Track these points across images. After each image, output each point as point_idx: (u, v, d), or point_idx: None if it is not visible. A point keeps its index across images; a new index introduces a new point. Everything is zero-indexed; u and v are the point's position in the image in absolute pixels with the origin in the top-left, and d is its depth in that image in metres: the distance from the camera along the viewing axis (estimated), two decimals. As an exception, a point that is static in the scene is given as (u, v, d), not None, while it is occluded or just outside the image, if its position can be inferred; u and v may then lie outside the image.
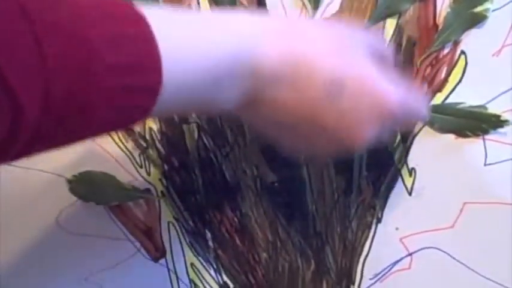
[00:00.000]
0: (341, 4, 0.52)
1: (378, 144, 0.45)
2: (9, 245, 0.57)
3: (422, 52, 0.52)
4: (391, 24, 0.52)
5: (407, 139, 0.54)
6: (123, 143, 0.56)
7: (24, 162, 0.54)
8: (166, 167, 0.56)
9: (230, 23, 0.39)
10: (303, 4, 0.52)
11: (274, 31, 0.39)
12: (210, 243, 0.57)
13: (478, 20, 0.51)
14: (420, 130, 0.54)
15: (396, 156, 0.54)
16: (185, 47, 0.36)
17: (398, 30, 0.52)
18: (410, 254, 0.56)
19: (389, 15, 0.52)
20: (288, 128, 0.41)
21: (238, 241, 0.57)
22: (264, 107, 0.40)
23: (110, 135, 0.56)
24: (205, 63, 0.37)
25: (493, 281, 0.55)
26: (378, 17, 0.52)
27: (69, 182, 0.56)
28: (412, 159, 0.54)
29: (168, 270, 0.58)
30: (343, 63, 0.40)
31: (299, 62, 0.39)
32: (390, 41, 0.52)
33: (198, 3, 0.52)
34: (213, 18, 0.39)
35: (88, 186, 0.56)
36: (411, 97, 0.45)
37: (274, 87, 0.39)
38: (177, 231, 0.57)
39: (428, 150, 0.54)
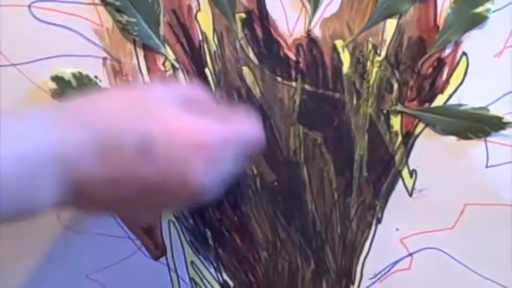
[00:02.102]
0: (341, 4, 0.51)
1: (232, 177, 0.46)
2: (9, 242, 0.57)
3: (423, 53, 0.52)
4: (391, 24, 0.52)
5: (408, 141, 0.54)
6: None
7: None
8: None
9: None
10: (303, 4, 0.52)
11: (66, 117, 0.40)
12: (210, 242, 0.58)
13: (479, 20, 0.51)
14: (422, 132, 0.53)
15: (397, 158, 0.54)
16: None
17: (399, 30, 0.52)
18: (410, 255, 0.56)
19: (390, 16, 0.51)
20: (120, 200, 0.41)
21: (238, 240, 0.57)
22: (85, 189, 0.39)
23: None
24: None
25: (493, 281, 0.56)
26: (377, 18, 0.51)
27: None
28: (414, 161, 0.54)
29: (169, 268, 0.58)
30: (148, 120, 0.41)
31: (102, 136, 0.39)
32: (391, 42, 0.52)
33: (198, 3, 0.52)
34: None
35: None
36: (238, 127, 0.45)
37: (86, 167, 0.39)
38: (177, 229, 0.57)
39: (430, 152, 0.54)
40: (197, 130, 0.42)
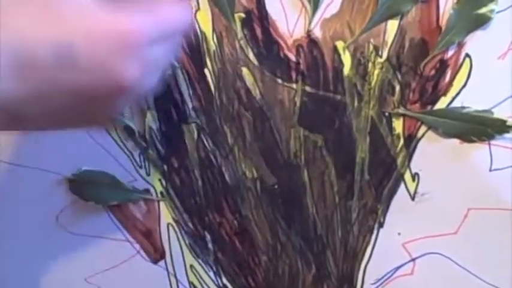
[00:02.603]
0: (341, 5, 0.51)
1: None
2: (8, 244, 0.57)
3: (426, 54, 0.51)
4: (392, 25, 0.51)
5: (410, 144, 0.53)
6: (123, 143, 0.56)
7: (24, 161, 0.56)
8: (165, 167, 0.56)
9: None
10: (303, 4, 0.51)
11: None
12: (210, 245, 0.57)
13: (482, 21, 0.50)
14: (424, 135, 0.53)
15: (399, 161, 0.53)
16: None
17: (401, 32, 0.51)
18: (413, 260, 0.55)
19: (391, 17, 0.51)
20: (55, 113, 0.40)
21: (238, 244, 0.57)
22: (11, 109, 0.38)
23: (110, 134, 0.55)
24: None
25: (496, 287, 0.55)
26: (378, 19, 0.51)
27: (69, 181, 0.56)
28: (416, 164, 0.53)
29: (168, 272, 0.58)
30: (62, 23, 0.38)
31: (14, 51, 0.37)
32: (392, 43, 0.51)
33: (197, 2, 0.52)
34: None
35: (88, 186, 0.56)
36: (163, 14, 0.42)
37: (4, 87, 0.37)
38: (176, 233, 0.57)
39: (433, 155, 0.53)
40: (119, 27, 0.39)
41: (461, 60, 0.51)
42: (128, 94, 0.40)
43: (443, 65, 0.52)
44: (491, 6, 0.49)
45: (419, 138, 0.53)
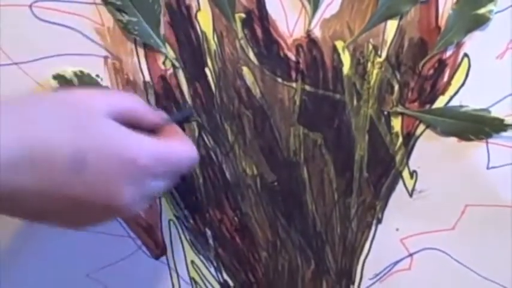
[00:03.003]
0: (341, 5, 0.51)
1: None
2: (9, 241, 0.58)
3: (425, 54, 0.52)
4: (392, 25, 0.51)
5: (409, 142, 0.54)
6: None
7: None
8: (167, 165, 0.56)
9: None
10: (302, 5, 0.51)
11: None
12: (211, 241, 0.58)
13: (481, 21, 0.50)
14: (422, 133, 0.53)
15: (397, 159, 0.54)
16: None
17: (400, 31, 0.51)
18: (410, 255, 0.56)
19: (390, 17, 0.51)
20: (49, 212, 0.42)
21: (238, 240, 0.57)
22: (12, 197, 0.40)
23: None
24: None
25: (493, 282, 0.55)
26: (378, 19, 0.51)
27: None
28: (414, 162, 0.54)
29: (169, 267, 0.58)
30: (81, 135, 0.41)
31: (34, 146, 0.39)
32: (391, 43, 0.52)
33: (198, 3, 0.52)
34: None
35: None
36: (170, 144, 0.46)
37: (14, 175, 0.39)
38: (177, 229, 0.57)
39: (431, 153, 0.54)
40: (129, 147, 0.42)
41: (459, 59, 0.52)
42: (119, 212, 0.44)
43: (441, 64, 0.52)
44: (490, 6, 0.50)
45: (418, 137, 0.54)
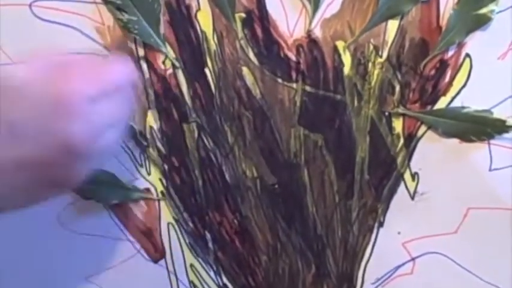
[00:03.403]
0: (342, 5, 0.51)
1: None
2: (9, 242, 0.57)
3: (426, 54, 0.51)
4: (393, 25, 0.51)
5: (410, 143, 0.53)
6: (124, 142, 0.56)
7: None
8: (166, 166, 0.56)
9: None
10: (303, 4, 0.51)
11: None
12: (210, 244, 0.57)
13: (482, 21, 0.50)
14: (424, 134, 0.53)
15: (399, 160, 0.54)
16: None
17: (401, 32, 0.51)
18: (413, 259, 0.56)
19: (391, 17, 0.51)
20: (8, 186, 0.40)
21: (238, 243, 0.57)
22: None
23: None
24: None
25: (496, 286, 0.55)
26: (379, 18, 0.51)
27: (70, 180, 0.56)
28: (416, 164, 0.54)
29: (168, 271, 0.58)
30: (8, 103, 0.39)
31: None
32: (392, 43, 0.52)
33: (198, 2, 0.52)
34: None
35: (88, 184, 0.56)
36: (105, 74, 0.43)
37: None
38: (176, 232, 0.57)
39: (432, 155, 0.53)
40: (53, 90, 0.40)
41: (461, 60, 0.52)
42: (81, 155, 0.41)
43: (443, 65, 0.52)
44: (491, 6, 0.50)
45: (419, 138, 0.53)
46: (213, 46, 0.53)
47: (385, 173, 0.54)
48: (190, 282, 0.58)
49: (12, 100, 0.39)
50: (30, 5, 0.52)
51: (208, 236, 0.57)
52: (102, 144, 0.42)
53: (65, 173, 0.42)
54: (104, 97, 0.42)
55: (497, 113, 0.52)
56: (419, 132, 0.53)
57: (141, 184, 0.56)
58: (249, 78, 0.53)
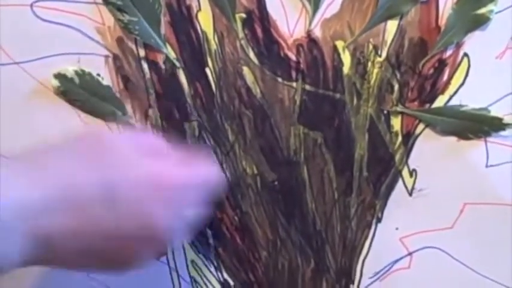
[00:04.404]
0: (341, 5, 0.51)
1: (200, 219, 0.47)
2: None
3: (425, 54, 0.52)
4: (392, 25, 0.52)
5: (408, 141, 0.54)
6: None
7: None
8: (167, 164, 0.56)
9: None
10: (303, 5, 0.51)
11: (23, 168, 0.40)
12: (211, 241, 0.58)
13: (481, 21, 0.50)
14: (422, 132, 0.54)
15: (397, 158, 0.54)
16: None
17: (400, 31, 0.52)
18: (410, 254, 0.56)
19: (391, 17, 0.51)
20: (88, 253, 0.41)
21: (238, 239, 0.58)
22: (48, 243, 0.39)
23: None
24: None
25: (493, 280, 0.56)
26: (378, 19, 0.51)
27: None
28: (414, 161, 0.54)
29: (169, 267, 0.58)
30: (107, 169, 0.41)
31: (61, 187, 0.39)
32: (392, 42, 0.52)
33: (199, 3, 0.52)
34: None
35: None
36: (195, 169, 0.46)
37: (53, 223, 0.39)
38: (177, 228, 0.58)
39: (430, 152, 0.54)
40: (156, 173, 0.42)
41: (459, 59, 0.52)
42: (159, 239, 0.43)
43: (441, 64, 0.52)
44: (490, 6, 0.50)
45: (417, 136, 0.54)
46: (214, 46, 0.53)
47: (384, 170, 0.55)
48: (192, 278, 0.59)
49: (118, 170, 0.41)
50: (31, 5, 0.52)
51: (208, 232, 0.58)
52: (177, 235, 0.45)
53: (138, 252, 0.44)
54: (191, 190, 0.45)
55: (495, 111, 0.52)
56: (418, 130, 0.54)
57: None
58: (249, 78, 0.53)
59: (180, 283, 0.58)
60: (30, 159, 0.41)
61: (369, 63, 0.52)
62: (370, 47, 0.52)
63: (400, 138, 0.54)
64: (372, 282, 0.57)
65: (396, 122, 0.54)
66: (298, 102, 0.54)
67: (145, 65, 0.54)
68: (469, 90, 0.52)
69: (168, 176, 0.43)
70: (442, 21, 0.51)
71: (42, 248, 0.39)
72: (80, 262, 0.43)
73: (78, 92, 0.54)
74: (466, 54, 0.52)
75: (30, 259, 0.39)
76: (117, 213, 0.40)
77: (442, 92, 0.53)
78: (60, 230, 0.39)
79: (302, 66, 0.53)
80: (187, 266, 0.58)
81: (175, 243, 0.45)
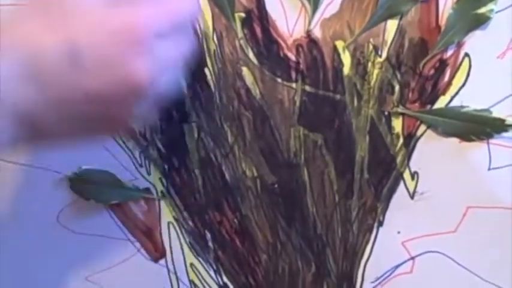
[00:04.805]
0: (341, 4, 0.51)
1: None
2: (9, 242, 0.57)
3: (425, 54, 0.52)
4: (392, 25, 0.51)
5: (409, 142, 0.53)
6: (123, 142, 0.56)
7: (24, 159, 0.56)
8: (166, 166, 0.56)
9: None
10: (302, 4, 0.51)
11: None
12: (210, 244, 0.57)
13: (481, 21, 0.50)
14: (423, 134, 0.53)
15: (398, 160, 0.54)
16: None
17: (400, 31, 0.51)
18: (412, 258, 0.56)
19: (391, 16, 0.51)
20: (71, 120, 0.39)
21: (238, 242, 0.57)
22: (33, 118, 0.38)
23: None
24: None
25: (496, 285, 0.55)
26: (378, 18, 0.51)
27: (70, 179, 0.56)
28: (415, 163, 0.54)
29: (168, 270, 0.58)
30: (68, 24, 0.37)
31: (26, 56, 0.37)
32: (392, 42, 0.52)
33: (198, 2, 0.52)
34: None
35: (88, 184, 0.56)
36: (168, 5, 0.41)
37: (23, 95, 0.37)
38: (177, 231, 0.57)
39: (432, 154, 0.53)
40: (124, 20, 0.38)
41: (460, 59, 0.52)
42: (143, 93, 0.39)
43: (442, 64, 0.52)
44: (490, 6, 0.50)
45: (419, 137, 0.53)
46: (213, 46, 0.53)
47: (385, 173, 0.54)
48: (191, 281, 0.58)
49: (80, 22, 0.38)
50: (29, 6, 0.52)
51: (208, 235, 0.57)
52: (162, 84, 0.41)
53: (123, 110, 0.40)
54: (170, 33, 0.40)
55: (497, 112, 0.52)
56: (419, 132, 0.53)
57: (141, 184, 0.57)
58: (248, 78, 0.53)
59: (179, 286, 0.58)
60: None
61: (369, 64, 0.52)
62: (370, 47, 0.52)
63: (401, 140, 0.53)
64: (373, 287, 0.57)
65: (397, 124, 0.53)
66: (298, 103, 0.53)
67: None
68: (471, 91, 0.52)
69: (139, 22, 0.38)
70: (442, 21, 0.51)
71: (24, 124, 0.38)
72: (64, 131, 0.40)
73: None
74: (467, 55, 0.51)
75: (17, 138, 0.38)
76: (87, 72, 0.37)
77: (443, 93, 0.52)
78: (35, 105, 0.37)
79: (302, 66, 0.53)
80: (186, 269, 0.58)
81: (160, 92, 0.40)
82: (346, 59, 0.52)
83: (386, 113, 0.53)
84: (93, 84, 0.38)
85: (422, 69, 0.52)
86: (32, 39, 0.37)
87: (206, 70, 0.53)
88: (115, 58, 0.37)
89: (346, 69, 0.52)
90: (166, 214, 0.57)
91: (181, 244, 0.57)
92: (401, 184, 0.54)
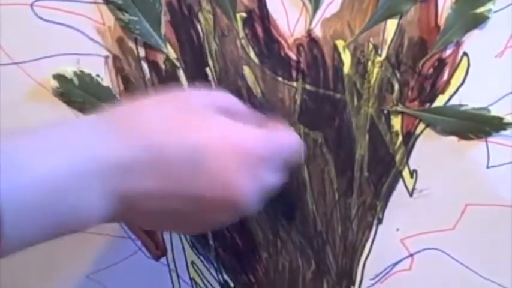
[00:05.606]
0: (341, 4, 0.52)
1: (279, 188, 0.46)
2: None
3: (425, 53, 0.52)
4: (392, 25, 0.52)
5: (409, 141, 0.54)
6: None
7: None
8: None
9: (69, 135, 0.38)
10: (303, 4, 0.52)
11: (111, 125, 0.40)
12: (211, 242, 0.58)
13: (480, 20, 0.51)
14: (422, 132, 0.53)
15: (398, 158, 0.54)
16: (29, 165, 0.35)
17: (400, 31, 0.52)
18: (411, 255, 0.56)
19: (391, 16, 0.51)
20: (169, 214, 0.41)
21: (238, 240, 0.57)
22: (134, 201, 0.39)
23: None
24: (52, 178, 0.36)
25: (494, 282, 0.55)
26: (378, 18, 0.51)
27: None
28: (414, 161, 0.54)
29: (169, 268, 0.58)
30: (195, 132, 0.41)
31: (149, 148, 0.39)
32: (391, 42, 0.52)
33: (199, 2, 0.52)
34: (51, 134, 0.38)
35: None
36: (278, 134, 0.46)
37: (138, 181, 0.39)
38: (177, 230, 0.58)
39: (431, 152, 0.54)
40: (245, 139, 0.42)
41: (459, 58, 0.52)
42: (238, 207, 0.42)
43: (441, 63, 0.52)
44: (489, 5, 0.50)
45: (418, 136, 0.54)
46: (214, 45, 0.53)
47: (384, 171, 0.55)
48: (192, 279, 0.58)
49: (207, 134, 0.41)
50: (31, 5, 0.52)
51: (209, 233, 0.57)
52: (254, 205, 0.44)
53: (215, 218, 0.43)
54: (272, 161, 0.44)
55: (495, 111, 0.52)
56: (418, 130, 0.53)
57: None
58: (249, 77, 0.53)
59: (180, 284, 0.58)
60: (117, 117, 0.41)
61: (369, 63, 0.52)
62: (370, 46, 0.52)
63: (400, 138, 0.54)
64: (372, 284, 0.57)
65: (396, 122, 0.54)
66: (298, 102, 0.54)
67: (145, 66, 0.54)
68: (469, 90, 0.52)
69: (256, 144, 0.42)
70: (442, 21, 0.51)
71: (123, 208, 0.39)
72: (156, 221, 0.43)
73: (77, 93, 0.54)
74: (465, 54, 0.52)
75: (107, 216, 0.39)
76: (203, 177, 0.40)
77: (442, 92, 0.53)
78: (144, 192, 0.39)
79: (302, 65, 0.53)
80: (187, 267, 0.58)
81: (251, 210, 0.44)
82: (346, 58, 0.53)
83: (385, 111, 0.53)
84: (205, 189, 0.40)
85: (422, 68, 0.52)
86: (157, 134, 0.40)
87: (207, 69, 0.54)
88: (230, 172, 0.41)
89: (346, 68, 0.53)
90: (167, 212, 0.57)
91: (182, 242, 0.58)
92: (401, 182, 0.55)
